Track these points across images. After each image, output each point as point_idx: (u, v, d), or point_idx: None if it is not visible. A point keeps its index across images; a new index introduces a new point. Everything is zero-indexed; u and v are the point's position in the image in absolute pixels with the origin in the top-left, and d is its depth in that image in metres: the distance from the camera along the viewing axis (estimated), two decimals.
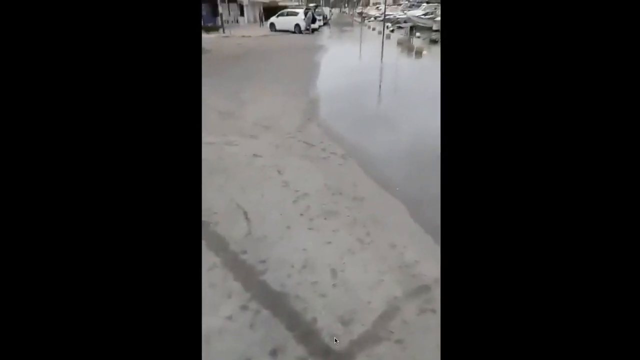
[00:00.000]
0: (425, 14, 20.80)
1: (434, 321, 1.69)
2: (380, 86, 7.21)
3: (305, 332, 1.62)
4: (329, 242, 2.26)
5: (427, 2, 24.96)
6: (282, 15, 19.84)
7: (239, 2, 25.27)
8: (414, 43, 12.53)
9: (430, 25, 18.30)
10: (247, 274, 1.97)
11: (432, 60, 9.91)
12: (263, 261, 2.07)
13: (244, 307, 1.75)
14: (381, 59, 10.25)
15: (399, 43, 13.10)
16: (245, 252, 2.16)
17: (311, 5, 27.63)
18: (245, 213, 2.58)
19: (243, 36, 16.79)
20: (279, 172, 3.26)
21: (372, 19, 29.51)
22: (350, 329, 1.64)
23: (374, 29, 20.20)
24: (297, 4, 31.70)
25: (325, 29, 21.69)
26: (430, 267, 2.06)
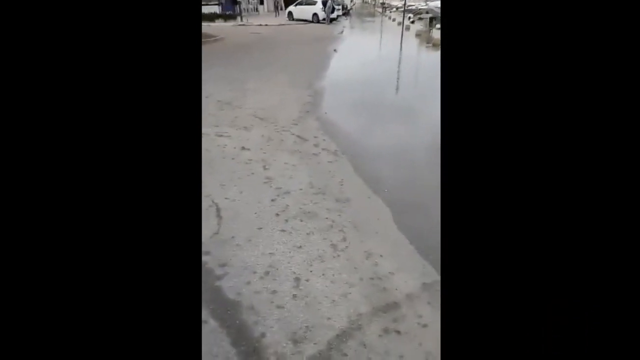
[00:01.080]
0: None
1: (397, 345, 1.52)
2: (397, 78, 6.91)
3: (249, 349, 1.48)
4: (300, 247, 2.10)
5: None
6: (300, 4, 19.50)
7: None
8: (433, 35, 12.00)
9: None
10: (203, 279, 1.84)
11: None
12: (224, 265, 1.94)
13: None
14: (400, 50, 9.88)
15: (418, 34, 12.61)
16: (208, 253, 2.03)
17: None
18: (218, 210, 2.45)
19: (260, 25, 16.61)
20: (264, 167, 3.11)
21: (394, 9, 28.69)
22: (299, 349, 1.48)
23: (394, 20, 19.57)
24: None
25: (344, 20, 21.19)
26: (406, 280, 1.87)
